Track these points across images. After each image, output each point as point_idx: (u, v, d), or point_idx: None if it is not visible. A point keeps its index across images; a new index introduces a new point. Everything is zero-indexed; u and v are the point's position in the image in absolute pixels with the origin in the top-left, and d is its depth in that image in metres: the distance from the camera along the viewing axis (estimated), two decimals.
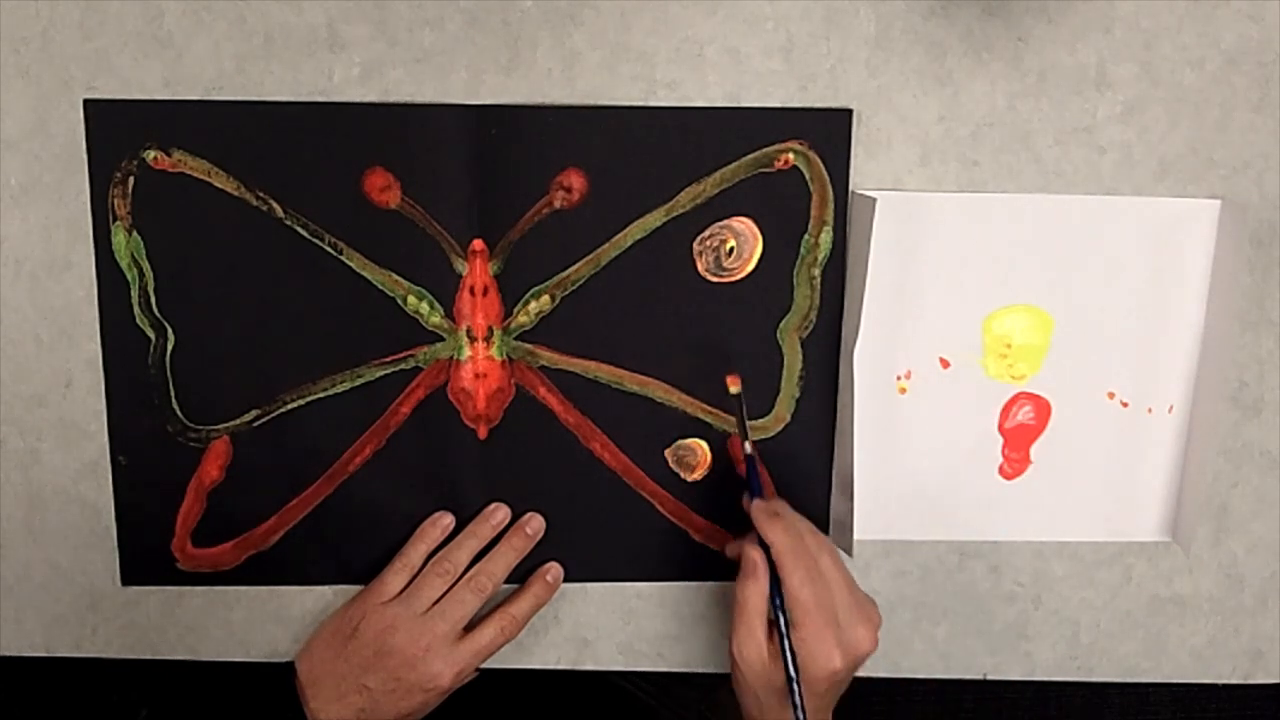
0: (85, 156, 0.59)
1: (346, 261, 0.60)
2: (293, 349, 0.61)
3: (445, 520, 0.63)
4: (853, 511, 0.62)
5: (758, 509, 0.57)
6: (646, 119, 0.59)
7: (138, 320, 0.60)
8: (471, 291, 0.61)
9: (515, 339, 0.62)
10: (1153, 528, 0.66)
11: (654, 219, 0.61)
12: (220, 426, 0.62)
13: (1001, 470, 0.65)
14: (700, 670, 0.66)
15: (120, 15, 0.58)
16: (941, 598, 0.66)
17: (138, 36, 0.58)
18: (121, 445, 0.62)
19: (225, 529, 0.63)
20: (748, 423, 0.61)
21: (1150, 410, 0.64)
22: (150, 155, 0.59)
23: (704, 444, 0.63)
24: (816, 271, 0.62)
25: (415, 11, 0.58)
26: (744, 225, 0.61)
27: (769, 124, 0.60)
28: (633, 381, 0.62)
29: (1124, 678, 0.68)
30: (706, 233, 0.61)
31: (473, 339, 0.61)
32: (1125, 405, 0.64)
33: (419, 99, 0.59)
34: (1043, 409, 0.64)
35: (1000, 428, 0.64)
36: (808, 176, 0.60)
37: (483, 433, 0.62)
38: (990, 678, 0.67)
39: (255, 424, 0.62)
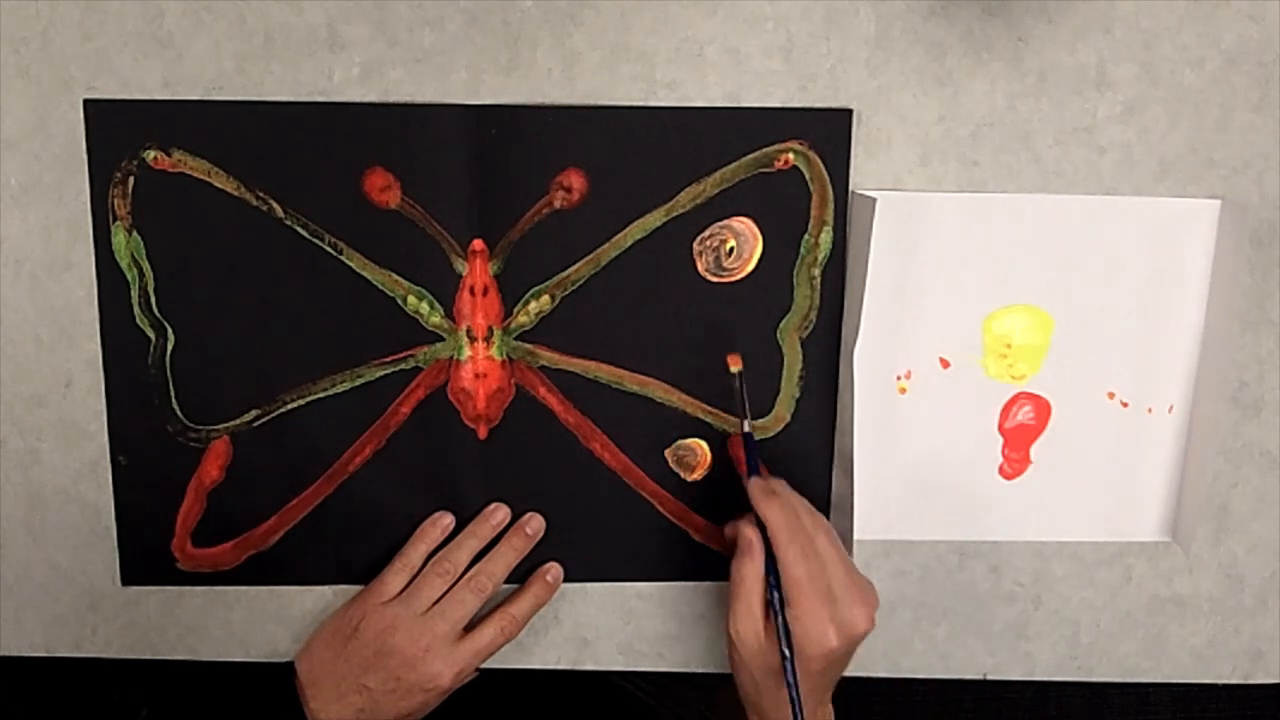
0: (85, 156, 0.59)
1: (346, 261, 0.60)
2: (293, 349, 0.61)
3: (445, 520, 0.63)
4: (853, 511, 0.62)
5: (755, 486, 0.57)
6: (646, 119, 0.59)
7: (138, 320, 0.60)
8: (471, 291, 0.61)
9: (515, 339, 0.62)
10: (1153, 528, 0.66)
11: (654, 219, 0.61)
12: (220, 426, 0.62)
13: (1001, 470, 0.65)
14: (700, 670, 0.66)
15: (120, 15, 0.58)
16: (941, 598, 0.66)
17: (138, 36, 0.58)
18: (121, 445, 0.62)
19: (225, 529, 0.63)
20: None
21: (1150, 410, 0.64)
22: (150, 155, 0.59)
23: (704, 444, 0.63)
24: (816, 271, 0.62)
25: (415, 11, 0.58)
26: (744, 225, 0.61)
27: (769, 124, 0.60)
28: (633, 381, 0.62)
29: (1124, 678, 0.68)
30: (706, 233, 0.61)
31: (473, 339, 0.61)
32: (1125, 405, 0.64)
33: (419, 99, 0.59)
34: (1043, 409, 0.64)
35: (1000, 428, 0.64)
36: (808, 176, 0.60)
37: (483, 433, 0.62)
38: (990, 678, 0.67)
39: (255, 424, 0.62)
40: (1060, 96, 0.60)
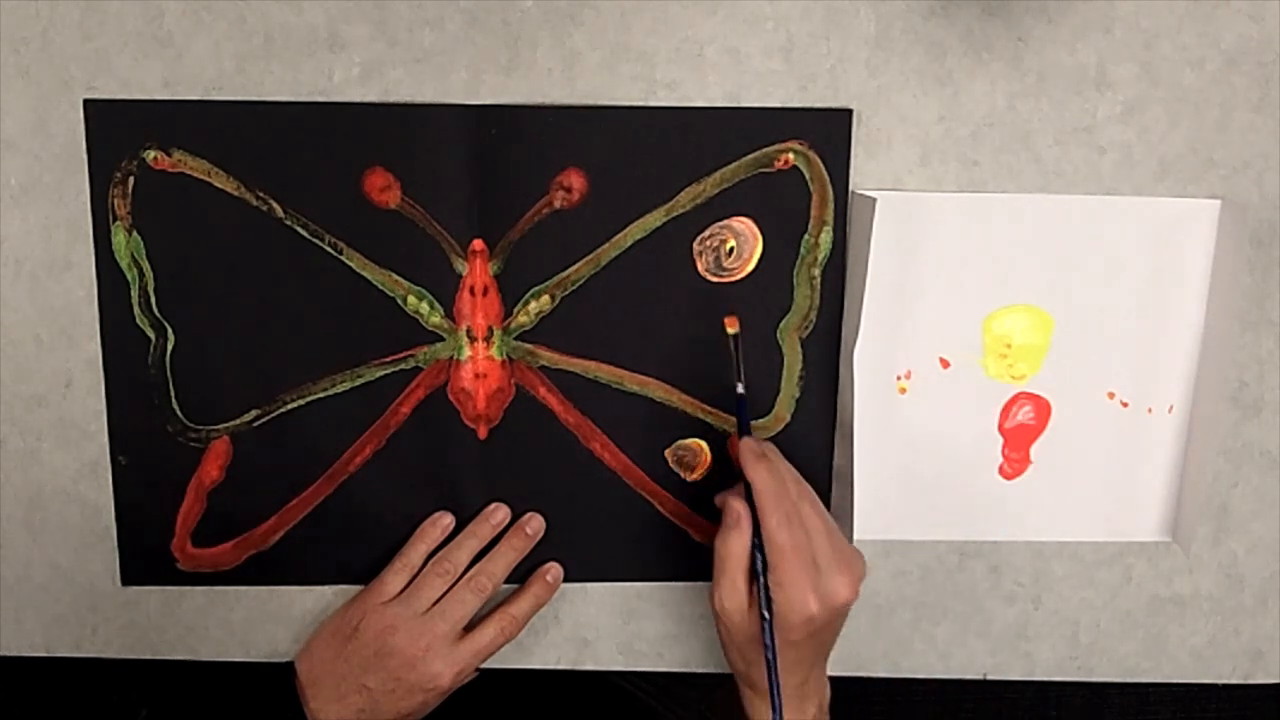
0: (85, 156, 0.59)
1: (346, 261, 0.60)
2: (293, 349, 0.61)
3: (445, 520, 0.63)
4: (853, 511, 0.62)
5: (746, 447, 0.57)
6: (646, 119, 0.59)
7: (138, 320, 0.60)
8: (471, 291, 0.61)
9: (515, 339, 0.62)
10: (1153, 528, 0.66)
11: (654, 219, 0.61)
12: (220, 426, 0.62)
13: (1001, 470, 0.65)
14: (700, 670, 0.66)
15: (120, 15, 0.58)
16: (941, 598, 0.66)
17: (138, 36, 0.58)
18: (121, 445, 0.62)
19: (225, 529, 0.63)
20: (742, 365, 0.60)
21: (1150, 410, 0.64)
22: (150, 155, 0.59)
23: (704, 444, 0.63)
24: (816, 271, 0.62)
25: (415, 11, 0.58)
26: (744, 225, 0.61)
27: (769, 124, 0.60)
28: (633, 381, 0.62)
29: (1124, 678, 0.68)
30: (706, 233, 0.61)
31: (473, 339, 0.61)
32: (1125, 405, 0.64)
33: (419, 99, 0.59)
34: (1043, 409, 0.64)
35: (1000, 428, 0.64)
36: (808, 176, 0.60)
37: (483, 433, 0.62)
38: (990, 678, 0.67)
39: (255, 424, 0.62)
40: (1060, 96, 0.60)
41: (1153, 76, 0.60)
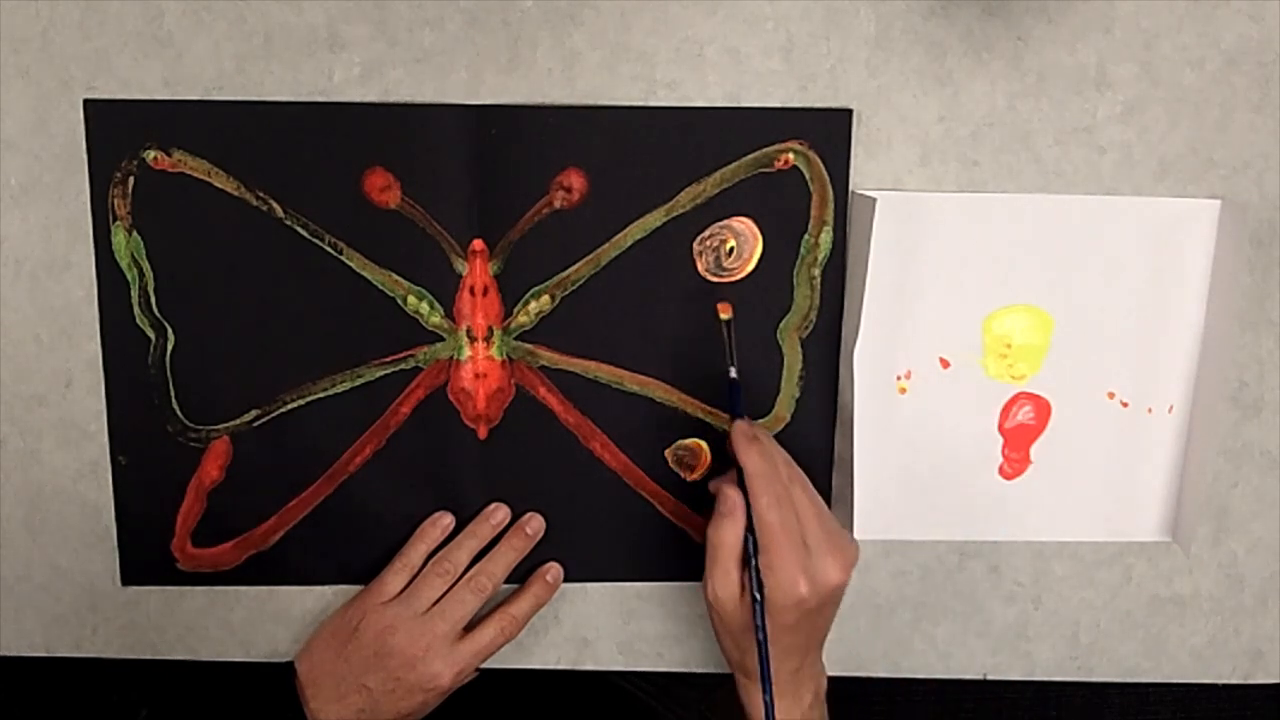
0: (85, 156, 0.59)
1: (346, 261, 0.60)
2: (293, 349, 0.61)
3: (445, 520, 0.63)
4: (853, 511, 0.62)
5: (738, 429, 0.57)
6: (646, 119, 0.59)
7: (138, 320, 0.60)
8: (471, 291, 0.61)
9: (515, 339, 0.62)
10: (1153, 528, 0.66)
11: (654, 219, 0.61)
12: (220, 426, 0.62)
13: (1001, 470, 0.65)
14: (700, 670, 0.66)
15: (120, 15, 0.58)
16: (941, 598, 0.66)
17: (138, 36, 0.58)
18: (121, 445, 0.62)
19: (225, 529, 0.63)
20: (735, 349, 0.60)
21: (1150, 410, 0.64)
22: (150, 155, 0.59)
23: (704, 444, 0.63)
24: (816, 271, 0.62)
25: (415, 11, 0.58)
26: (744, 225, 0.61)
27: (769, 124, 0.60)
28: (633, 381, 0.62)
29: (1124, 678, 0.68)
30: (706, 233, 0.61)
31: (473, 339, 0.61)
32: (1125, 405, 0.64)
33: (419, 99, 0.59)
34: (1043, 409, 0.64)
35: (1000, 428, 0.64)
36: (808, 176, 0.60)
37: (483, 433, 0.62)
38: (990, 678, 0.67)
39: (255, 424, 0.62)
40: (1060, 96, 0.60)
41: (1153, 76, 0.60)
